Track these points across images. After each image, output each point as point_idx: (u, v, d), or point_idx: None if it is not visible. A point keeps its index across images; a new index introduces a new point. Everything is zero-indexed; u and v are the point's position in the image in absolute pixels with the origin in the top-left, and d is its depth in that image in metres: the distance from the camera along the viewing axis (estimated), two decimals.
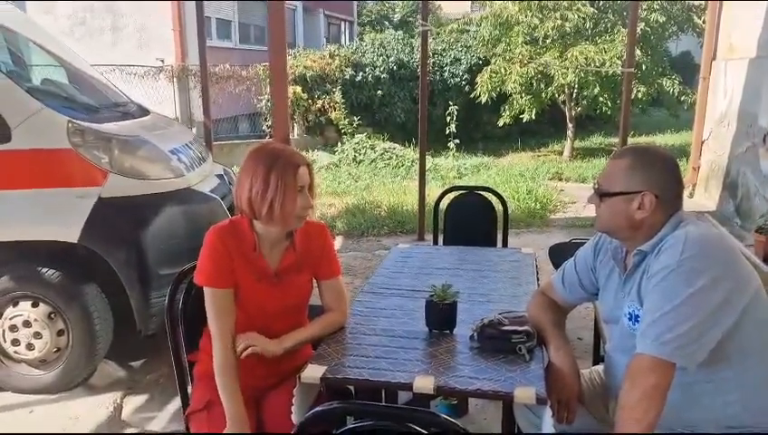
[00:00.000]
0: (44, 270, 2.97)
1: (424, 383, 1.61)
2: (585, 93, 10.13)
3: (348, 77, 11.76)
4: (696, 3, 10.71)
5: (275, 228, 1.84)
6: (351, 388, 1.86)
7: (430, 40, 10.58)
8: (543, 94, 10.40)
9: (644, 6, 9.71)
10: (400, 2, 21.90)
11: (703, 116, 7.51)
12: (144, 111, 3.86)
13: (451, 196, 3.49)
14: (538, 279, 2.50)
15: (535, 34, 10.28)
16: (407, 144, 11.06)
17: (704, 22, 8.73)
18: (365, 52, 12.40)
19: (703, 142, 7.54)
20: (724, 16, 7.08)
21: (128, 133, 3.22)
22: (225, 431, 1.72)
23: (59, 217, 2.91)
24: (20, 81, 3.18)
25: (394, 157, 10.40)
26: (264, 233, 1.86)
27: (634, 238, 1.62)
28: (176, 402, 2.96)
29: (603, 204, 1.63)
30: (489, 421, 2.76)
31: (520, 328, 1.79)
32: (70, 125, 2.94)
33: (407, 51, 12.38)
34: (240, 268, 1.83)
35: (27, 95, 2.97)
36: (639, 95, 9.87)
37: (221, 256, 1.80)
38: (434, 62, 12.07)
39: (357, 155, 10.56)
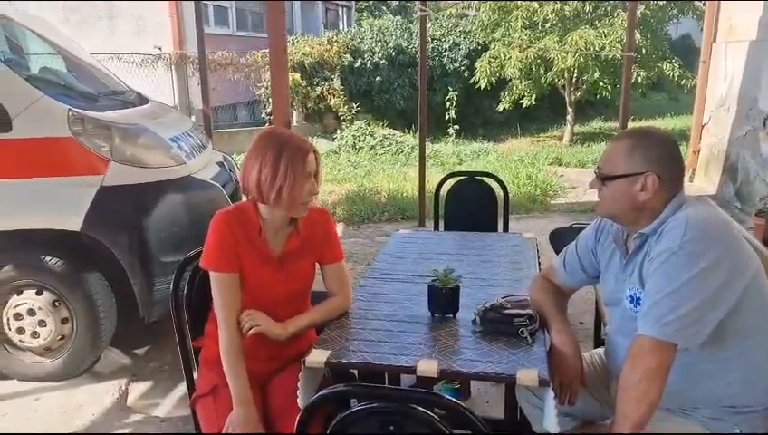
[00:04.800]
0: (48, 259, 2.98)
1: (427, 367, 1.62)
2: (585, 78, 10.09)
3: (346, 63, 11.70)
4: None
5: (281, 213, 1.85)
6: (355, 372, 1.88)
7: (429, 25, 10.52)
8: (543, 79, 10.36)
9: None
10: None
11: (703, 100, 7.48)
12: (143, 100, 3.85)
13: (451, 182, 3.48)
14: (539, 263, 2.51)
15: (534, 19, 10.22)
16: (406, 130, 11.04)
17: (704, 4, 8.68)
18: (363, 38, 12.33)
19: (703, 126, 7.52)
20: None
21: (128, 122, 3.22)
22: (231, 414, 1.74)
23: (61, 206, 2.92)
24: (19, 69, 3.17)
25: (394, 143, 10.38)
26: (269, 218, 1.87)
27: (636, 222, 1.62)
28: (180, 388, 2.99)
29: (605, 188, 1.63)
30: (491, 405, 2.79)
31: (522, 311, 1.81)
32: (70, 114, 2.93)
33: (405, 36, 12.30)
34: (245, 253, 1.84)
35: (27, 84, 2.96)
36: (639, 79, 9.83)
37: (227, 240, 1.82)
38: (433, 48, 12.01)
39: (356, 142, 10.54)
